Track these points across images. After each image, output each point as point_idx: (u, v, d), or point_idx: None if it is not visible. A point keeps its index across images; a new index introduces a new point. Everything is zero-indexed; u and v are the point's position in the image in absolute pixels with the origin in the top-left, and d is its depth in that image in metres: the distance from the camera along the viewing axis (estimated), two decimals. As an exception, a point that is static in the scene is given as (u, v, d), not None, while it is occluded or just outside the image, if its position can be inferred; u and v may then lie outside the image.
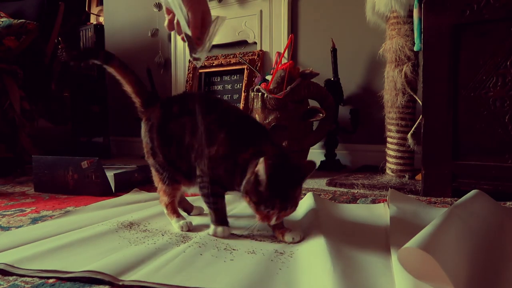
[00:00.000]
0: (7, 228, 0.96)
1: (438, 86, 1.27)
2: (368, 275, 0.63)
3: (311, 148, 1.95)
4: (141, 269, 0.66)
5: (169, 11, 0.90)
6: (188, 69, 2.62)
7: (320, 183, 1.62)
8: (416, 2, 1.43)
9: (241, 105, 2.31)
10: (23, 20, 2.10)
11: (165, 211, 0.94)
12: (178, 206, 0.97)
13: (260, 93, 1.81)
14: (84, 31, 3.17)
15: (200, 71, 2.59)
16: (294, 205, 0.77)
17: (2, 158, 1.93)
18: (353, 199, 1.26)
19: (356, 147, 2.12)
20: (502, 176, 1.19)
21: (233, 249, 0.76)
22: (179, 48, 2.73)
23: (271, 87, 1.78)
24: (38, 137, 2.13)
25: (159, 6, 2.74)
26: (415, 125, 1.51)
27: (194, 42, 0.86)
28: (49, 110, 2.58)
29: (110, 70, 0.96)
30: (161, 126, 0.90)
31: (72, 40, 3.25)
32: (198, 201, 1.06)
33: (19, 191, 1.49)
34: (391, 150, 1.63)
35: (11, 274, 0.66)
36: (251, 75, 2.32)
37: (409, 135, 1.52)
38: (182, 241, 0.82)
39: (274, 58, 2.21)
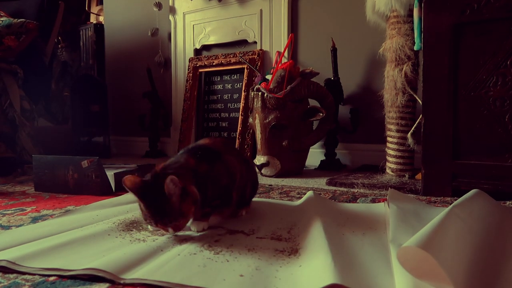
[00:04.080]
0: (7, 227, 0.96)
1: (438, 86, 1.27)
2: (368, 274, 0.64)
3: (311, 147, 1.95)
4: (142, 267, 0.66)
5: None
6: (188, 69, 2.62)
7: (320, 182, 1.62)
8: (416, 2, 1.43)
9: (241, 105, 2.31)
10: (23, 20, 2.11)
11: None
12: None
13: (260, 93, 1.81)
14: (84, 30, 3.18)
15: (200, 70, 2.60)
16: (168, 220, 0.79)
17: (3, 158, 1.93)
18: (353, 199, 1.26)
19: (356, 146, 2.12)
20: (502, 176, 1.19)
21: (234, 248, 0.77)
22: (179, 48, 2.72)
23: (271, 86, 1.78)
24: (38, 137, 2.13)
25: (159, 5, 2.74)
26: (415, 125, 1.52)
27: None
28: (49, 109, 2.58)
29: None
30: None
31: (72, 39, 3.25)
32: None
33: (19, 191, 1.49)
34: (391, 149, 1.63)
35: (12, 272, 0.66)
36: (251, 75, 2.32)
37: (409, 135, 1.52)
38: (184, 240, 0.82)
39: (274, 57, 2.21)
